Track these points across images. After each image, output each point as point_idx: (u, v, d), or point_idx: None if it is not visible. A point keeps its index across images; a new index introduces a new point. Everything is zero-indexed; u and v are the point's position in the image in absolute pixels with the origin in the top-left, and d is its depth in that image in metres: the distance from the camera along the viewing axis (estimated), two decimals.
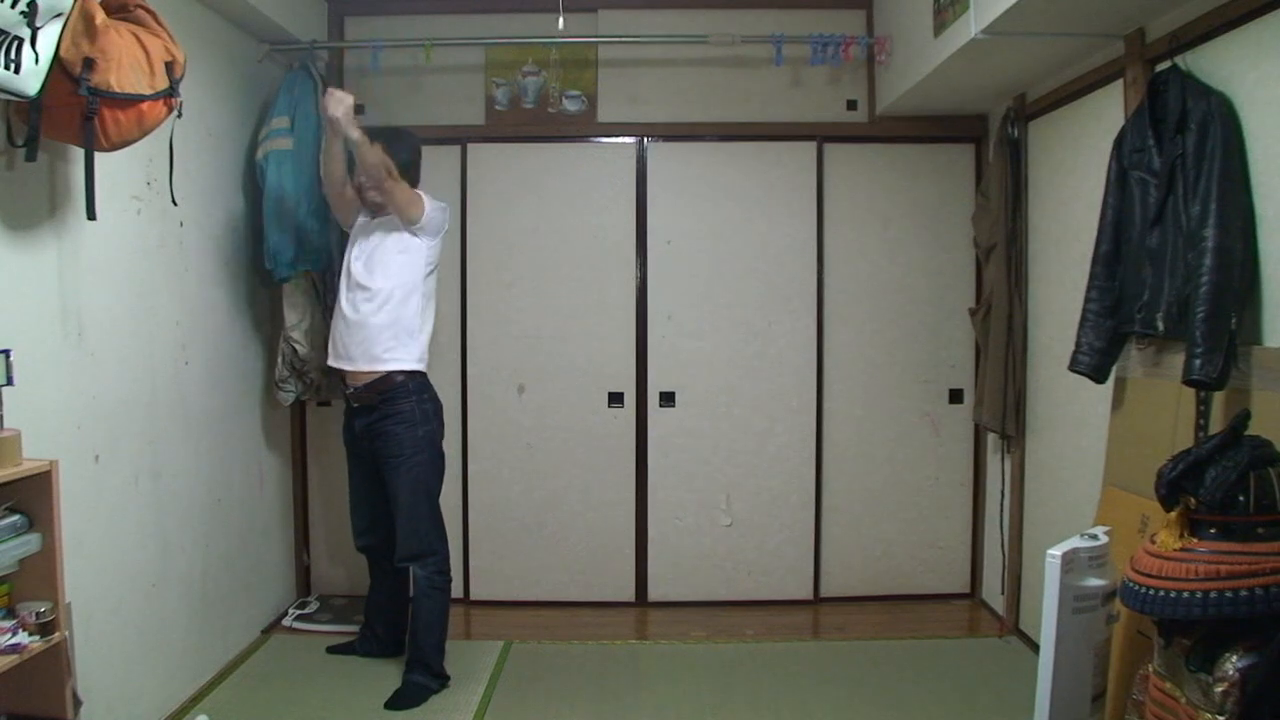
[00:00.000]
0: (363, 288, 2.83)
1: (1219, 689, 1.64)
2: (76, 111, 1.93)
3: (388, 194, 2.77)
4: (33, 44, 1.77)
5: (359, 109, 3.67)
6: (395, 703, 2.80)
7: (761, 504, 3.74)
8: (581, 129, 3.71)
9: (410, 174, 2.96)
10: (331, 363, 2.92)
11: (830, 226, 3.70)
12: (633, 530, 3.75)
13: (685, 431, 3.73)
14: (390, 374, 2.81)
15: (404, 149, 2.93)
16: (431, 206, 2.85)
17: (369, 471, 2.94)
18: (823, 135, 3.68)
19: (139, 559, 2.56)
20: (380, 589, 3.08)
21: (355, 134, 2.72)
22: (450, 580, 2.93)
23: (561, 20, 3.24)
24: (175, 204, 2.58)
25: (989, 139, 3.57)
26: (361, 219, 2.97)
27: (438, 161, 3.62)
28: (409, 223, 2.82)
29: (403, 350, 2.81)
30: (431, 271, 2.90)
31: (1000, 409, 3.27)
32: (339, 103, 2.73)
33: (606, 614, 3.67)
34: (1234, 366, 2.02)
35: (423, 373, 2.87)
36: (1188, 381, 2.05)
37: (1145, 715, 1.86)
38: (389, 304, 2.80)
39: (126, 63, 1.98)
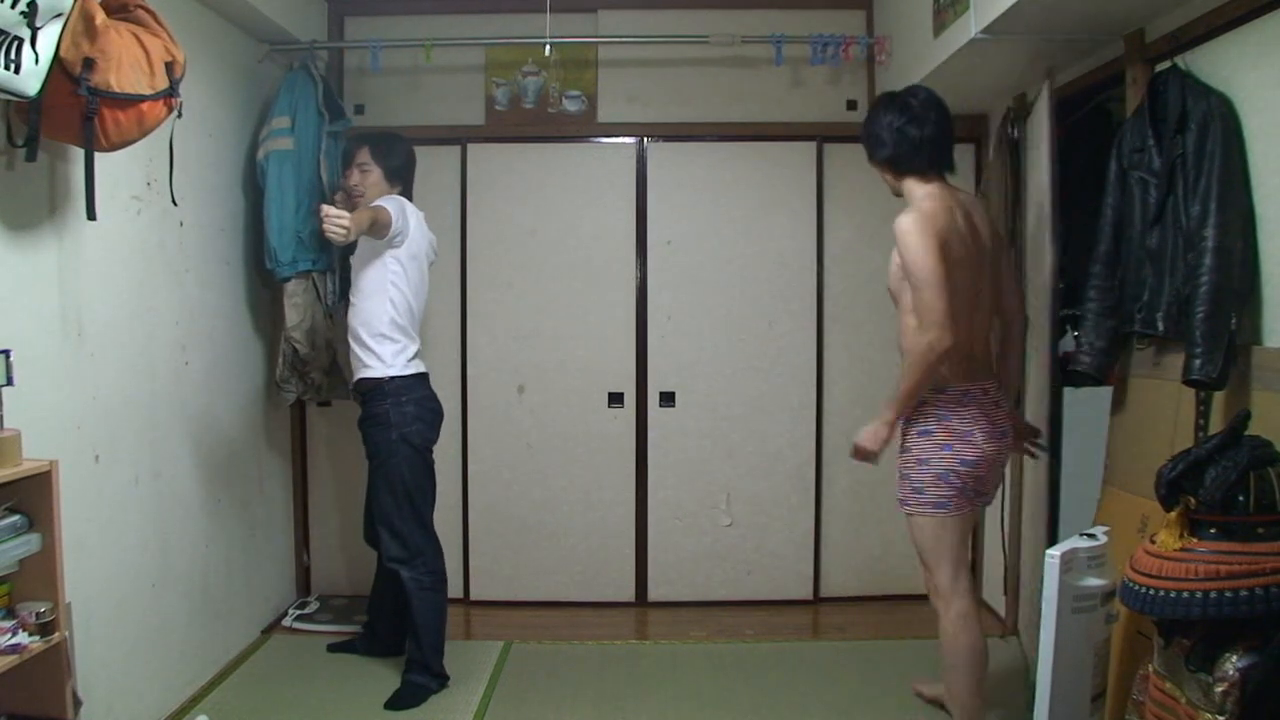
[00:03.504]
0: (351, 295, 2.89)
1: (1219, 689, 1.64)
2: (76, 111, 1.93)
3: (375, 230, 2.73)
4: (33, 44, 1.77)
5: (359, 109, 3.70)
6: (395, 703, 2.80)
7: (761, 504, 3.74)
8: (581, 129, 3.71)
9: (402, 178, 2.98)
10: None
11: (830, 226, 3.70)
12: (633, 530, 3.75)
13: (685, 431, 3.73)
14: (366, 378, 2.83)
15: (395, 154, 2.96)
16: (394, 211, 2.77)
17: None
18: (823, 135, 3.68)
19: (139, 559, 2.56)
20: (384, 586, 3.08)
21: (355, 231, 2.58)
22: (442, 579, 2.92)
23: (549, 47, 3.30)
24: (175, 204, 2.58)
25: (989, 139, 3.57)
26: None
27: (438, 161, 3.63)
28: (389, 239, 2.77)
29: (375, 355, 2.81)
30: (402, 269, 2.82)
31: None
32: (339, 227, 2.50)
33: (606, 614, 3.67)
34: (1234, 366, 2.02)
35: (404, 376, 2.83)
36: (1188, 381, 2.05)
37: (1145, 715, 1.86)
38: (362, 310, 2.82)
39: (126, 63, 1.98)
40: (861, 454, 2.43)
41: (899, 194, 2.50)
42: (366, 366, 2.83)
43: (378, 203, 2.79)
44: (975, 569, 3.76)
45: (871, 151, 2.50)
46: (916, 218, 2.30)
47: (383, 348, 2.81)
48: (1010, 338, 2.60)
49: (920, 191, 2.41)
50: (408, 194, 3.00)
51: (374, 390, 2.83)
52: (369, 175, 2.93)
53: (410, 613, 2.86)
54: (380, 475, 2.85)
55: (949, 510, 2.36)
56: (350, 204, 2.96)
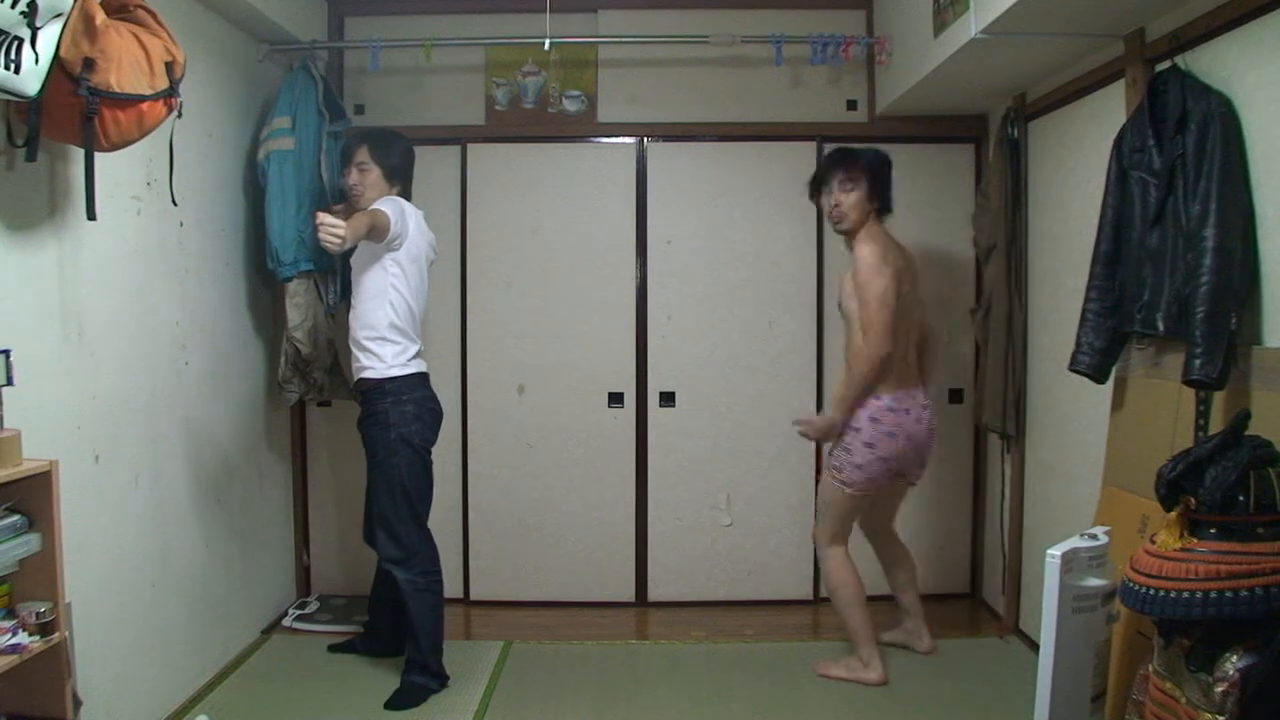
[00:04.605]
0: (352, 297, 2.90)
1: (1219, 689, 1.64)
2: (76, 111, 1.93)
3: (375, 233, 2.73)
4: (33, 44, 1.77)
5: (359, 109, 3.70)
6: (395, 703, 2.80)
7: (761, 504, 3.74)
8: (581, 129, 3.71)
9: (401, 177, 2.97)
10: None
11: (830, 226, 3.69)
12: (633, 530, 3.75)
13: (685, 431, 3.73)
14: (366, 378, 2.84)
15: (394, 152, 2.95)
16: (393, 214, 2.76)
17: None
18: (823, 135, 3.67)
19: (139, 559, 2.56)
20: (384, 585, 3.08)
21: (351, 238, 2.57)
22: (437, 580, 2.91)
23: (548, 44, 3.30)
24: (175, 204, 2.58)
25: (989, 139, 3.57)
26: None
27: (438, 161, 3.63)
28: (387, 242, 2.77)
29: (375, 356, 2.81)
30: (402, 272, 2.83)
31: (1000, 409, 3.27)
32: (334, 236, 2.49)
33: (606, 614, 3.67)
34: (1234, 366, 2.02)
35: (405, 376, 2.83)
36: (1188, 381, 2.05)
37: (1145, 715, 1.86)
38: (362, 313, 2.83)
39: (126, 63, 1.98)
40: (804, 427, 2.99)
41: (853, 231, 2.93)
42: (367, 367, 2.83)
43: (376, 205, 2.79)
44: (975, 569, 3.77)
45: (890, 203, 3.00)
46: (877, 249, 2.84)
47: (383, 349, 2.81)
48: (928, 349, 3.09)
49: (878, 230, 2.93)
50: (406, 193, 3.00)
51: (374, 390, 2.83)
52: (368, 174, 2.92)
53: (407, 614, 2.86)
54: (378, 474, 2.84)
55: (852, 489, 2.91)
56: (349, 205, 2.96)
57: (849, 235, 2.94)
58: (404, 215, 2.82)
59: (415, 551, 2.85)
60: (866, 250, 2.82)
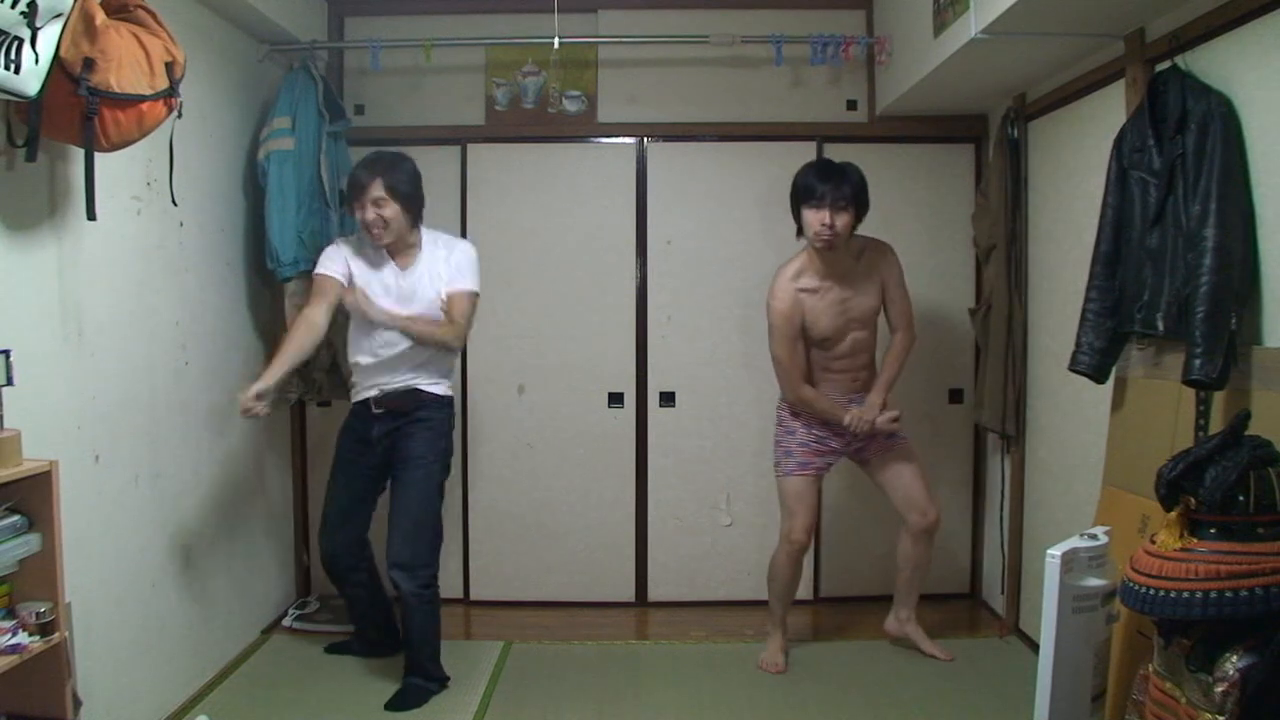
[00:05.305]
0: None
1: (1219, 689, 1.64)
2: (76, 111, 1.93)
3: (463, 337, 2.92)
4: (33, 44, 1.77)
5: (359, 109, 3.70)
6: (395, 703, 2.80)
7: (761, 504, 3.74)
8: (581, 129, 3.71)
9: (417, 204, 2.83)
10: (367, 368, 2.87)
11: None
12: (633, 530, 3.75)
13: (685, 431, 3.73)
14: (427, 390, 2.86)
15: (406, 179, 2.77)
16: (475, 283, 2.96)
17: (367, 479, 2.94)
18: (823, 135, 3.67)
19: (139, 559, 2.56)
20: (357, 597, 3.07)
21: (401, 325, 2.79)
22: (438, 590, 2.91)
23: (557, 41, 3.30)
24: (175, 204, 2.58)
25: (989, 139, 3.57)
26: (370, 252, 2.86)
27: (438, 161, 3.62)
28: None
29: (438, 380, 2.89)
30: None
31: (1000, 409, 3.27)
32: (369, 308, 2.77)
33: (606, 614, 3.67)
34: (1234, 366, 2.02)
35: (450, 396, 2.95)
36: (1188, 381, 2.05)
37: (1145, 715, 1.86)
38: (438, 354, 2.89)
39: (126, 63, 1.98)
40: (872, 423, 3.05)
41: (835, 245, 2.98)
42: (430, 382, 2.87)
43: (460, 289, 2.88)
44: (975, 569, 3.77)
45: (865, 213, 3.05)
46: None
47: (448, 375, 2.95)
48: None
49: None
50: (418, 217, 2.88)
51: (434, 401, 2.87)
52: (385, 209, 2.71)
53: (408, 623, 2.85)
54: (419, 477, 2.83)
55: None
56: (371, 239, 2.80)
57: (831, 249, 2.96)
58: (476, 271, 2.96)
59: (428, 562, 2.85)
60: (895, 255, 3.12)
